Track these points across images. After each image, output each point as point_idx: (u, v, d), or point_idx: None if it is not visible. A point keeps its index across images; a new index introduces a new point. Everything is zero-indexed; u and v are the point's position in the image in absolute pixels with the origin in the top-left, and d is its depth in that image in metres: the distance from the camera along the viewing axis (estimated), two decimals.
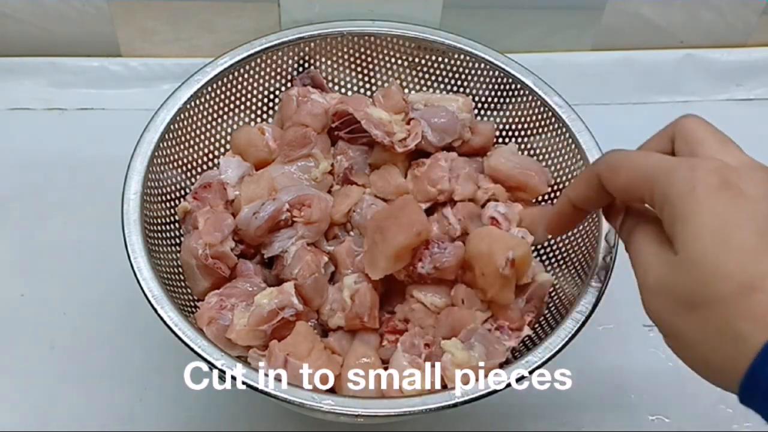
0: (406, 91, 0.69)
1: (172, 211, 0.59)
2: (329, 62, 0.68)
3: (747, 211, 0.35)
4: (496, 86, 0.66)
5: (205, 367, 0.47)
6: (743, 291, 0.33)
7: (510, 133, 0.66)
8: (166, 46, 0.76)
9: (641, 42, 0.80)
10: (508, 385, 0.47)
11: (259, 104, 0.67)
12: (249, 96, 0.66)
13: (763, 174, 0.38)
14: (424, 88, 0.69)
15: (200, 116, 0.62)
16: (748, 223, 0.35)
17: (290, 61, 0.66)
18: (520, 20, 0.77)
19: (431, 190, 0.58)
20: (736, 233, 0.35)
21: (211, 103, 0.63)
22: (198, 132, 0.62)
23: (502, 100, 0.66)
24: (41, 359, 0.61)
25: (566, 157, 0.61)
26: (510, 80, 0.65)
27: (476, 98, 0.67)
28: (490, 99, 0.67)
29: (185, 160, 0.62)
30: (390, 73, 0.69)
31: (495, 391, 0.47)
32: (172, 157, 0.60)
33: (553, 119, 0.62)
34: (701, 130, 0.41)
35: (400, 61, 0.68)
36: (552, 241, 0.61)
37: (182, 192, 0.61)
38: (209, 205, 0.59)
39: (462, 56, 0.66)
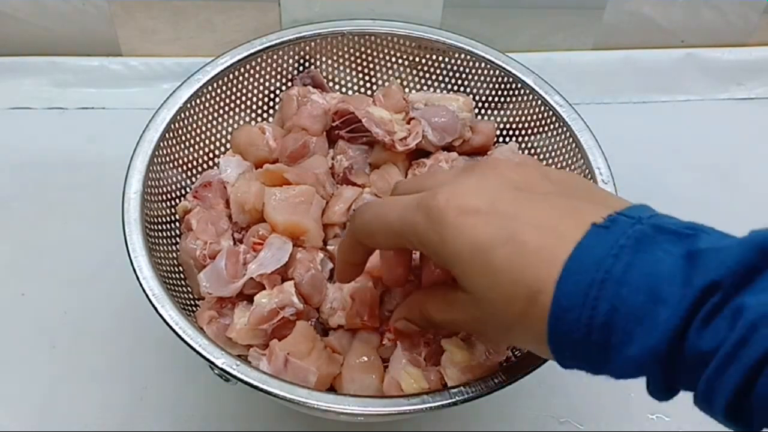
0: (407, 90, 0.69)
1: (173, 210, 0.59)
2: (329, 62, 0.68)
3: (490, 224, 0.36)
4: (497, 85, 0.66)
5: (205, 366, 0.47)
6: (530, 301, 0.35)
7: (510, 133, 0.66)
8: (167, 45, 0.76)
9: (642, 41, 0.80)
10: (508, 384, 0.47)
11: (260, 104, 0.67)
12: (249, 95, 0.66)
13: (478, 171, 0.40)
14: (425, 88, 0.69)
15: (200, 115, 0.62)
16: (497, 237, 0.36)
17: (290, 61, 0.66)
18: (520, 19, 0.77)
19: None
20: (496, 253, 0.36)
21: (212, 102, 0.63)
22: (198, 131, 0.62)
23: (502, 99, 0.66)
24: (41, 359, 0.61)
25: (567, 156, 0.61)
26: (511, 79, 0.65)
27: (477, 97, 0.67)
28: (490, 98, 0.67)
29: (185, 160, 0.62)
30: (390, 72, 0.69)
31: (495, 390, 0.47)
32: (172, 157, 0.60)
33: (553, 118, 0.62)
34: (411, 180, 0.49)
35: (400, 61, 0.68)
36: None
37: (183, 191, 0.61)
38: (210, 204, 0.59)
39: (462, 56, 0.66)
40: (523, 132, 0.65)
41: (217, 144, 0.64)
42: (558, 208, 0.37)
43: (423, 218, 0.38)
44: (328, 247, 0.58)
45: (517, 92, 0.65)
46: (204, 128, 0.63)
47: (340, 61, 0.68)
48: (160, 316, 0.48)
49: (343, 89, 0.69)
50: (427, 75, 0.68)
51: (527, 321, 0.36)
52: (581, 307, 0.34)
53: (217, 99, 0.63)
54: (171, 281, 0.54)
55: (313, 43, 0.66)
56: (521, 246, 0.35)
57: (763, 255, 0.32)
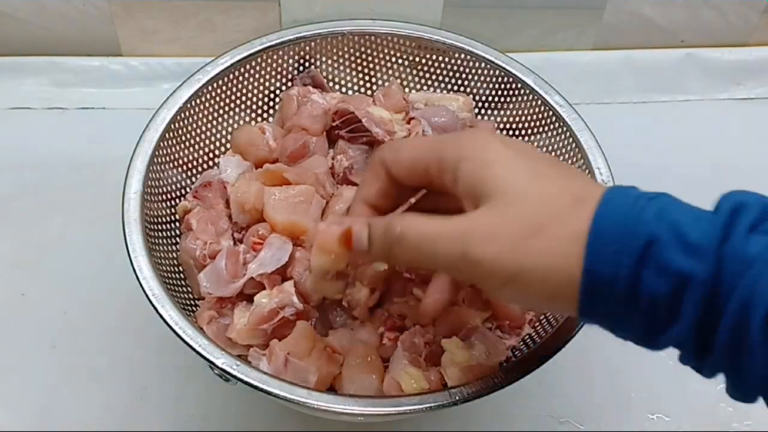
0: (407, 90, 0.69)
1: (173, 210, 0.59)
2: (330, 62, 0.68)
3: (534, 154, 0.40)
4: (497, 85, 0.66)
5: (205, 366, 0.47)
6: (575, 202, 0.36)
7: (511, 133, 0.66)
8: (167, 45, 0.76)
9: (642, 41, 0.80)
10: (509, 384, 0.47)
11: (260, 103, 0.67)
12: (249, 95, 0.66)
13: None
14: (425, 88, 0.69)
15: (200, 115, 0.62)
16: (545, 160, 0.39)
17: (291, 61, 0.66)
18: (520, 19, 0.77)
19: None
20: (543, 167, 0.38)
21: (212, 102, 0.63)
22: (198, 131, 0.62)
23: (502, 99, 0.66)
24: (41, 359, 0.61)
25: (567, 156, 0.61)
26: (510, 79, 0.65)
27: (477, 97, 0.67)
28: (490, 98, 0.67)
29: (185, 160, 0.62)
30: (390, 72, 0.69)
31: (495, 390, 0.47)
32: (172, 156, 0.60)
33: (553, 118, 0.62)
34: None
35: (400, 61, 0.68)
36: None
37: (183, 191, 0.61)
38: (210, 204, 0.59)
39: (462, 55, 0.66)
40: (523, 132, 0.65)
41: (217, 144, 0.64)
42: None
43: (468, 136, 0.40)
44: None
45: (517, 92, 0.65)
46: (204, 128, 0.63)
47: (340, 61, 0.68)
48: (160, 316, 0.48)
49: (343, 89, 0.69)
50: (427, 75, 0.68)
51: (567, 220, 0.35)
52: (631, 206, 0.35)
53: (217, 99, 0.63)
54: (171, 281, 0.54)
55: (313, 43, 0.66)
56: (567, 170, 0.39)
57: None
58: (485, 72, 0.66)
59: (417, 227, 0.39)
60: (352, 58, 0.68)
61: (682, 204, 0.36)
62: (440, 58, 0.67)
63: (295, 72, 0.67)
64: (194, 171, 0.62)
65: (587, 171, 0.58)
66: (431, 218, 0.39)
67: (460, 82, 0.68)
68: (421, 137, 0.41)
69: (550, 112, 0.62)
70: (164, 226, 0.58)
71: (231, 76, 0.63)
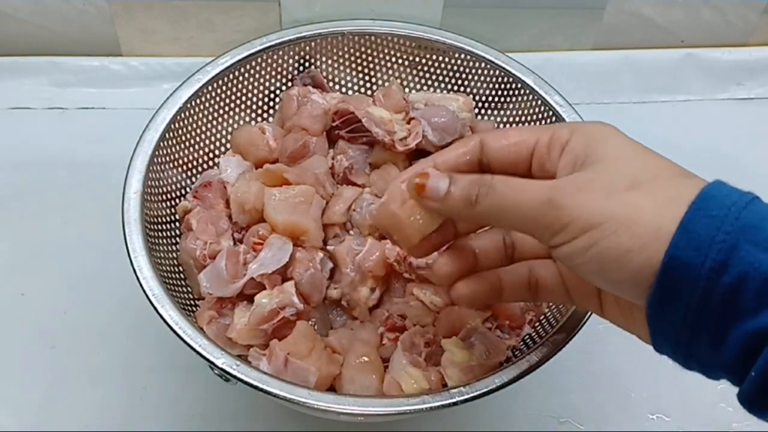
0: (407, 90, 0.69)
1: (173, 210, 0.59)
2: (330, 62, 0.68)
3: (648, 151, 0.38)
4: (497, 85, 0.66)
5: (205, 366, 0.47)
6: (682, 176, 0.36)
7: None
8: (167, 45, 0.76)
9: (642, 41, 0.80)
10: (509, 384, 0.47)
11: (260, 104, 0.67)
12: (249, 95, 0.66)
13: None
14: (425, 88, 0.69)
15: (201, 115, 0.62)
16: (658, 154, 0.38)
17: (291, 61, 0.66)
18: (520, 19, 0.77)
19: None
20: (652, 152, 0.38)
21: (212, 102, 0.63)
22: (198, 131, 0.62)
23: (502, 99, 0.66)
24: (41, 359, 0.61)
25: None
26: (511, 79, 0.65)
27: (477, 97, 0.67)
28: (490, 98, 0.67)
29: (186, 160, 0.62)
30: (390, 72, 0.69)
31: (495, 391, 0.47)
32: (172, 157, 0.60)
33: (553, 118, 0.62)
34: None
35: (400, 61, 0.68)
36: None
37: (183, 191, 0.61)
38: (210, 204, 0.59)
39: (462, 55, 0.66)
40: None
41: (217, 144, 0.64)
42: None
43: (582, 123, 0.41)
44: (328, 247, 0.58)
45: (517, 92, 0.65)
46: (204, 128, 0.63)
47: (340, 61, 0.68)
48: (160, 316, 0.48)
49: (343, 89, 0.69)
50: (427, 75, 0.68)
51: (673, 182, 0.35)
52: (740, 195, 0.34)
53: (217, 99, 0.63)
54: (171, 281, 0.54)
55: (313, 43, 0.66)
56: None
57: None
58: (485, 72, 0.66)
59: (507, 179, 0.39)
60: (352, 58, 0.68)
61: None
62: (440, 58, 0.67)
63: (295, 72, 0.67)
64: (194, 171, 0.62)
65: None
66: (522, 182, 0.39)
67: (460, 82, 0.68)
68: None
69: (550, 112, 0.62)
70: (164, 226, 0.58)
71: (231, 76, 0.63)
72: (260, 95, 0.66)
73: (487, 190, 0.38)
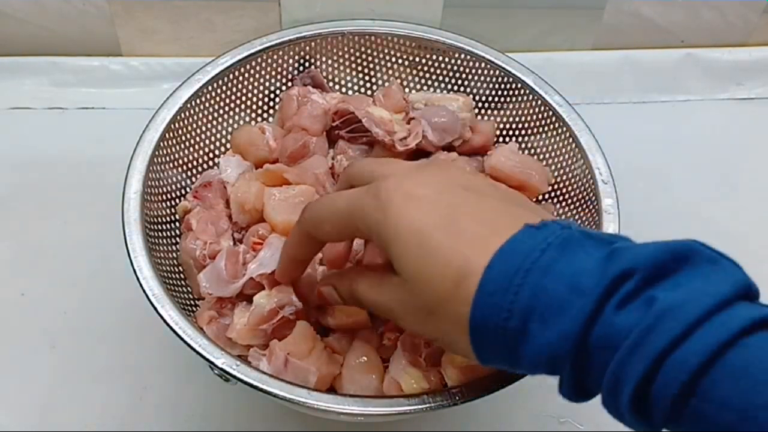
0: (407, 90, 0.69)
1: (173, 210, 0.59)
2: (330, 62, 0.68)
3: (433, 210, 0.39)
4: (497, 85, 0.66)
5: (205, 366, 0.47)
6: (457, 284, 0.37)
7: (510, 133, 0.66)
8: (167, 45, 0.76)
9: (642, 41, 0.80)
10: (509, 384, 0.47)
11: (260, 104, 0.67)
12: (249, 95, 0.66)
13: (430, 169, 0.43)
14: (425, 88, 0.69)
15: (201, 115, 0.62)
16: (438, 221, 0.38)
17: (291, 61, 0.66)
18: (520, 19, 0.77)
19: None
20: (433, 235, 0.38)
21: (212, 102, 0.63)
22: (198, 131, 0.62)
23: (502, 99, 0.66)
24: (41, 359, 0.61)
25: (567, 156, 0.61)
26: (510, 79, 0.65)
27: (477, 97, 0.67)
28: (490, 98, 0.67)
29: (185, 160, 0.62)
30: (390, 72, 0.69)
31: (495, 390, 0.47)
32: (172, 157, 0.60)
33: (553, 118, 0.62)
34: (366, 162, 0.46)
35: (400, 61, 0.68)
36: None
37: (183, 191, 0.61)
38: (210, 204, 0.59)
39: (462, 55, 0.66)
40: (523, 132, 0.65)
41: (217, 144, 0.64)
42: (499, 209, 0.39)
43: (371, 199, 0.40)
44: None
45: (517, 92, 0.65)
46: (204, 128, 0.63)
47: (340, 61, 0.68)
48: (160, 316, 0.48)
49: (343, 89, 0.69)
50: (427, 75, 0.68)
51: (451, 304, 0.37)
52: (504, 291, 0.35)
53: (217, 99, 0.63)
54: (171, 281, 0.54)
55: (313, 43, 0.66)
56: (458, 232, 0.37)
57: (674, 258, 0.33)
58: (485, 72, 0.66)
59: (364, 293, 0.44)
60: (352, 58, 0.68)
61: (568, 263, 0.35)
62: (440, 58, 0.67)
63: (295, 72, 0.67)
64: (194, 171, 0.62)
65: (587, 171, 0.58)
66: (373, 284, 0.43)
67: (460, 82, 0.68)
68: (331, 201, 0.44)
69: (550, 112, 0.62)
70: (164, 226, 0.58)
71: (231, 76, 0.63)
72: (260, 95, 0.66)
73: (355, 300, 0.46)
